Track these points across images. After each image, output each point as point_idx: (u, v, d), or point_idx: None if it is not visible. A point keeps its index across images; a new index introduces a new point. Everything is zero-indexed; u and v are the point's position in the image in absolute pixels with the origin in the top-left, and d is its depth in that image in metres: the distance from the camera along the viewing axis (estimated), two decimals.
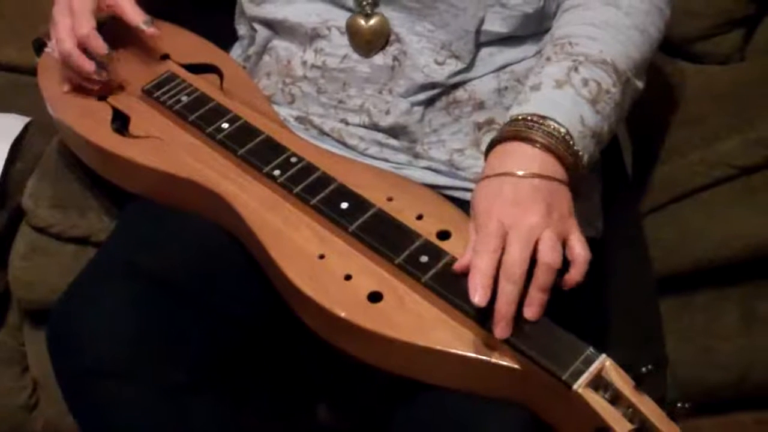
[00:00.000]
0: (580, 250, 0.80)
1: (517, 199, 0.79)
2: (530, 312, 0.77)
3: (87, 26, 0.97)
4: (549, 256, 0.77)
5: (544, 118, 0.83)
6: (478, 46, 0.95)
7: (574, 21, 0.92)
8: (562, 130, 0.83)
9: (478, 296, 0.76)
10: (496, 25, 0.95)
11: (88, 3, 0.98)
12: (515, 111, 0.85)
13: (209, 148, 0.95)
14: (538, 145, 0.82)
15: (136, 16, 0.99)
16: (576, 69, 0.86)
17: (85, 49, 0.98)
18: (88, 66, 0.98)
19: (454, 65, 0.95)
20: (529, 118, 0.83)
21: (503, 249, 0.77)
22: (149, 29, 1.00)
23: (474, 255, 0.77)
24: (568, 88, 0.85)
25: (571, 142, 0.83)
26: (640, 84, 0.91)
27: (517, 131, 0.83)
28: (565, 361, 0.74)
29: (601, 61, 0.87)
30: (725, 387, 1.28)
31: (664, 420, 0.73)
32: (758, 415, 1.34)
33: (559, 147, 0.82)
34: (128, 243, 0.94)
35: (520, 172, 0.81)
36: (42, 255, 1.14)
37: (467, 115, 0.96)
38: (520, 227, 0.78)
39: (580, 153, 0.83)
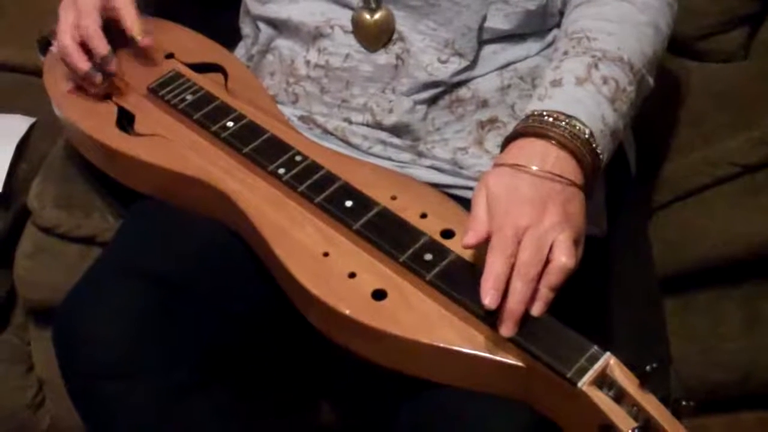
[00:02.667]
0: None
1: (536, 200, 0.79)
2: (536, 308, 0.77)
3: (91, 24, 0.97)
4: (566, 257, 0.77)
5: (569, 117, 0.83)
6: (481, 43, 0.96)
7: (589, 15, 0.91)
8: (587, 131, 0.82)
9: (490, 299, 0.75)
10: (498, 21, 0.95)
11: (94, 0, 0.98)
12: (537, 106, 0.85)
13: (214, 146, 0.95)
14: (560, 145, 0.81)
15: (134, 26, 0.99)
16: (596, 66, 0.86)
17: (86, 48, 0.98)
18: (83, 65, 0.97)
19: (457, 63, 0.95)
20: (554, 115, 0.83)
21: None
22: (144, 40, 1.00)
23: (489, 257, 0.77)
24: (590, 86, 0.85)
25: (593, 144, 0.83)
26: (651, 81, 0.91)
27: (540, 128, 0.82)
28: (570, 358, 0.74)
29: (619, 59, 0.87)
30: (729, 386, 1.28)
31: (669, 418, 0.73)
32: (762, 414, 1.33)
33: (581, 148, 0.82)
34: (133, 243, 0.94)
35: (538, 169, 0.80)
36: (47, 255, 1.14)
37: (470, 114, 0.96)
38: (536, 229, 0.77)
39: (600, 153, 0.83)
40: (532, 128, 0.83)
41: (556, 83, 0.86)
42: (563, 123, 0.82)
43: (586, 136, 0.82)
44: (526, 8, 0.95)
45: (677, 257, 1.18)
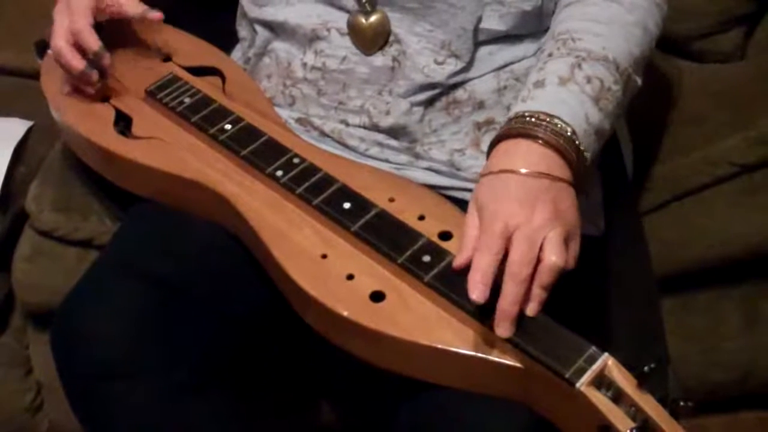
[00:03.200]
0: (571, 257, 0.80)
1: (524, 199, 0.79)
2: (530, 308, 0.77)
3: (81, 21, 0.97)
4: (555, 256, 0.77)
5: (551, 116, 0.82)
6: (477, 45, 0.96)
7: (576, 16, 0.91)
8: (569, 129, 0.82)
9: (477, 293, 0.75)
10: (494, 23, 0.95)
11: (86, 1, 0.98)
12: (520, 108, 0.85)
13: (212, 149, 0.95)
14: (544, 143, 0.81)
15: (136, 8, 0.99)
16: (579, 66, 0.86)
17: (80, 48, 0.98)
18: (77, 63, 0.98)
19: (453, 65, 0.95)
20: (535, 116, 0.83)
21: (506, 250, 0.77)
22: (152, 14, 0.99)
23: (476, 254, 0.77)
24: (573, 86, 0.85)
25: (576, 142, 0.83)
26: (639, 80, 0.91)
27: (523, 129, 0.82)
28: (568, 359, 0.74)
29: (603, 58, 0.87)
30: (728, 386, 1.28)
31: (667, 418, 0.73)
32: (762, 413, 1.34)
33: (566, 146, 0.82)
34: (131, 245, 0.94)
35: (526, 170, 0.80)
36: (45, 258, 1.14)
37: (467, 115, 0.96)
38: (526, 228, 0.77)
39: (584, 151, 0.83)
40: (515, 129, 0.83)
41: (539, 84, 0.86)
42: (544, 122, 0.82)
43: (569, 133, 0.82)
44: (522, 9, 0.95)
45: (676, 257, 1.18)
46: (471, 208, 0.81)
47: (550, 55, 0.89)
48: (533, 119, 0.82)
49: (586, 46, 0.88)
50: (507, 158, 0.82)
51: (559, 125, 0.82)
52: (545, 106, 0.83)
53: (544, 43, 0.94)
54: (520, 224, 0.77)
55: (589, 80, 0.86)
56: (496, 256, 0.76)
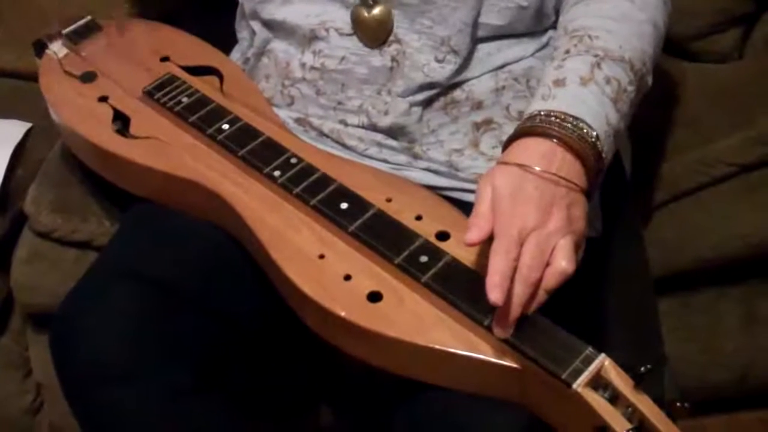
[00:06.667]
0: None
1: (542, 203, 0.78)
2: (530, 309, 0.76)
3: None
4: (566, 262, 0.77)
5: (576, 119, 0.82)
6: (477, 43, 0.95)
7: (589, 13, 0.91)
8: (594, 133, 0.82)
9: (496, 294, 0.74)
10: (492, 17, 0.95)
11: None
12: (541, 106, 0.84)
13: (210, 149, 0.95)
14: (568, 148, 0.81)
15: None
16: (599, 65, 0.85)
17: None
18: None
19: (453, 62, 0.95)
20: (560, 116, 0.82)
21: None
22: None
23: (493, 256, 0.76)
24: (593, 86, 0.84)
25: (599, 147, 0.82)
26: (650, 80, 0.91)
27: (549, 128, 0.81)
28: (565, 360, 0.74)
29: (620, 58, 0.87)
30: (727, 386, 1.28)
31: (663, 419, 0.73)
32: (761, 413, 1.34)
33: (589, 152, 0.81)
34: (129, 247, 0.94)
35: (546, 172, 0.80)
36: (44, 260, 1.14)
37: (465, 115, 0.96)
38: (541, 232, 0.77)
39: (605, 156, 0.83)
40: (539, 128, 0.82)
41: (560, 83, 0.85)
42: (569, 124, 0.82)
43: (593, 139, 0.82)
44: (519, 4, 0.95)
45: (675, 257, 1.18)
46: (485, 188, 0.79)
47: (567, 52, 0.88)
48: (557, 119, 0.82)
49: (603, 45, 0.87)
50: (527, 155, 0.81)
51: (584, 129, 0.82)
52: (568, 106, 0.83)
53: (557, 39, 0.93)
54: (535, 228, 0.77)
55: (608, 81, 0.85)
56: (513, 261, 0.76)
